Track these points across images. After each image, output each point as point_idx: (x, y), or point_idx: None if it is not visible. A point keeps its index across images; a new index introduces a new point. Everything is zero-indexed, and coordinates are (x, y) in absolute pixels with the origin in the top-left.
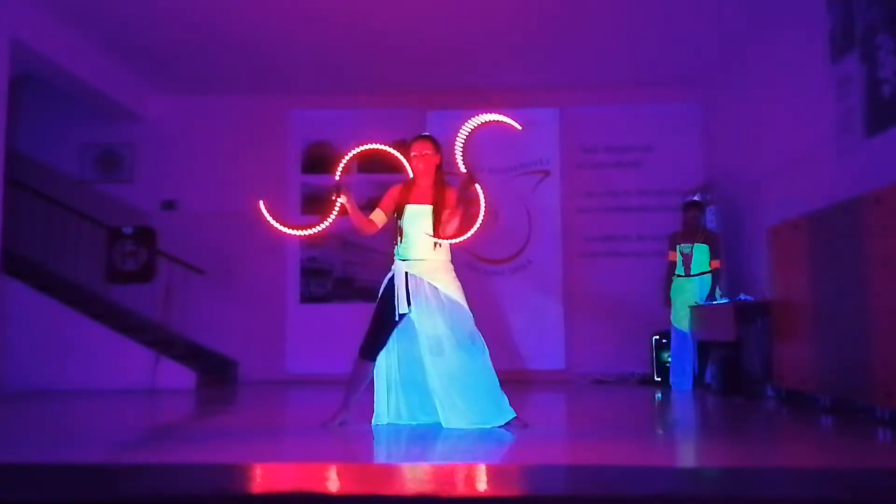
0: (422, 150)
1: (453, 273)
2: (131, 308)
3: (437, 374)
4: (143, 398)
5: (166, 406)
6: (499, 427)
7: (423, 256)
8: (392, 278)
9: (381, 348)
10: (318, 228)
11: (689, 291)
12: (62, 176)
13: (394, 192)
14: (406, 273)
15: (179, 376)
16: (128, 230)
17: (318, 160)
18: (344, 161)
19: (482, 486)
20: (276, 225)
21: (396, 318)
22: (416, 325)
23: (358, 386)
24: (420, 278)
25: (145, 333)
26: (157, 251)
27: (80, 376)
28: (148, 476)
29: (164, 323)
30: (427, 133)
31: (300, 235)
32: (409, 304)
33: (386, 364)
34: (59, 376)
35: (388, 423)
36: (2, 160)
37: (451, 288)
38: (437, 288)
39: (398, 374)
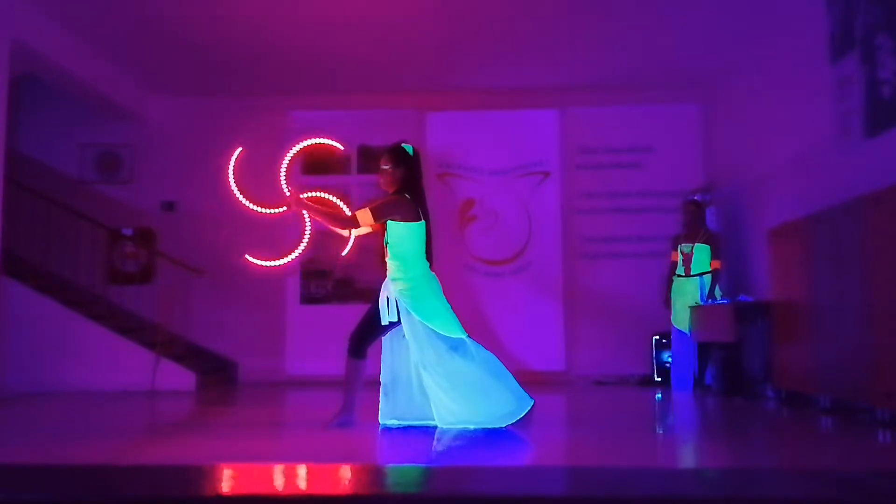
0: (381, 164)
1: (421, 290)
2: (131, 309)
3: (428, 377)
4: (143, 399)
5: (166, 407)
6: (501, 427)
7: (392, 276)
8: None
9: (368, 347)
10: (277, 210)
11: (689, 292)
12: (62, 177)
13: None
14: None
15: (179, 377)
16: (128, 231)
17: (318, 161)
18: (284, 163)
19: (480, 486)
20: (239, 195)
21: (385, 324)
22: (406, 334)
23: (354, 385)
24: (398, 298)
25: (145, 334)
26: (157, 252)
27: (79, 377)
28: (147, 477)
29: (164, 324)
30: (403, 145)
31: (260, 212)
32: (398, 315)
33: (385, 361)
34: (59, 377)
35: (389, 424)
36: (2, 161)
37: (420, 310)
38: (407, 310)
39: (397, 375)
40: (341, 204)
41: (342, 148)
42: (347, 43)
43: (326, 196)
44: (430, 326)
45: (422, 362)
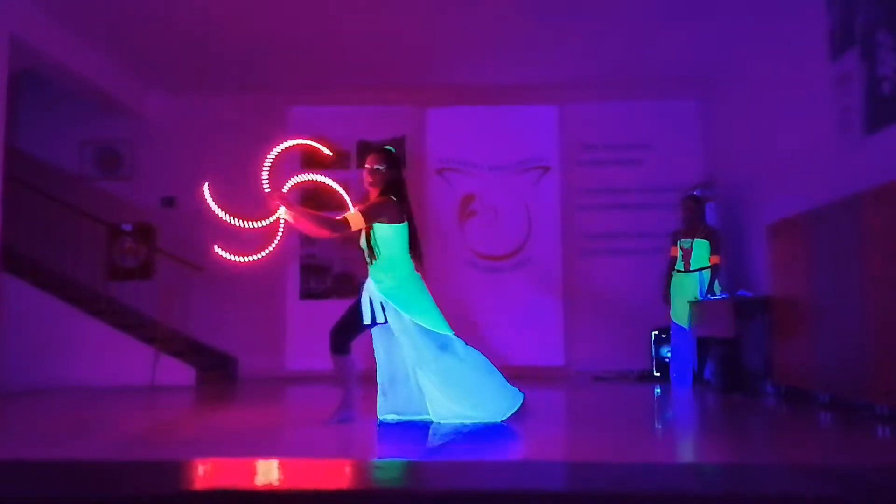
0: (368, 163)
1: (409, 289)
2: (131, 305)
3: (423, 375)
4: (143, 395)
5: (166, 403)
6: (497, 422)
7: (378, 279)
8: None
9: (350, 343)
10: (266, 252)
11: (689, 287)
12: (62, 173)
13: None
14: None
15: (179, 373)
16: (127, 227)
17: (318, 157)
18: (289, 184)
19: (478, 481)
20: (220, 212)
21: (367, 323)
22: (396, 334)
23: (347, 381)
24: (385, 299)
25: (145, 330)
26: (157, 248)
27: (79, 373)
28: (148, 473)
29: (164, 320)
30: (390, 147)
31: (244, 227)
32: (384, 315)
33: (380, 361)
34: (59, 373)
35: (387, 419)
36: (1, 157)
37: (410, 309)
38: (397, 310)
39: (394, 373)
40: (340, 189)
41: (331, 154)
42: (347, 38)
43: (326, 181)
44: (422, 324)
45: (416, 361)
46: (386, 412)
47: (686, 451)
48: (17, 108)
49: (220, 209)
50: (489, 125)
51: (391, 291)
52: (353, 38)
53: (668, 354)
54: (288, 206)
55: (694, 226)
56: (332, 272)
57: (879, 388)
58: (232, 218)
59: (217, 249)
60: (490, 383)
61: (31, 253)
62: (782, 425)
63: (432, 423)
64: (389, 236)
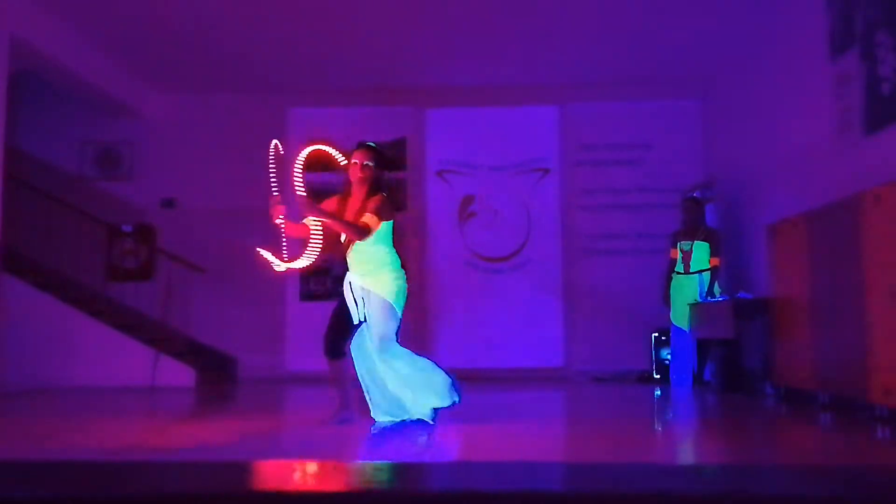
0: (358, 158)
1: (393, 284)
2: (131, 306)
3: (388, 369)
4: (143, 395)
5: (166, 403)
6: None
7: (360, 272)
8: (349, 284)
9: (343, 346)
10: (306, 261)
11: (689, 289)
12: (62, 173)
13: (330, 203)
14: (354, 284)
15: (179, 374)
16: (127, 228)
17: (318, 158)
18: (298, 166)
19: (477, 482)
20: (278, 262)
21: (355, 322)
22: (366, 327)
23: (342, 383)
24: (365, 288)
25: (145, 331)
26: (157, 249)
27: (79, 374)
28: (147, 473)
29: (164, 320)
30: (373, 144)
31: (299, 268)
32: (363, 312)
33: (358, 366)
34: (59, 374)
35: (382, 420)
36: (1, 157)
37: (398, 299)
38: (370, 291)
39: (373, 375)
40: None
41: (343, 162)
42: (347, 39)
43: (329, 150)
44: (399, 313)
45: (378, 354)
46: (378, 414)
47: (686, 452)
48: (17, 108)
49: (279, 260)
50: (489, 126)
51: (385, 283)
52: (353, 39)
53: (668, 357)
54: (318, 215)
55: (694, 227)
56: (332, 273)
57: (879, 389)
58: (291, 263)
59: (261, 251)
60: (433, 372)
61: (31, 253)
62: (782, 425)
63: (427, 424)
64: (384, 232)
